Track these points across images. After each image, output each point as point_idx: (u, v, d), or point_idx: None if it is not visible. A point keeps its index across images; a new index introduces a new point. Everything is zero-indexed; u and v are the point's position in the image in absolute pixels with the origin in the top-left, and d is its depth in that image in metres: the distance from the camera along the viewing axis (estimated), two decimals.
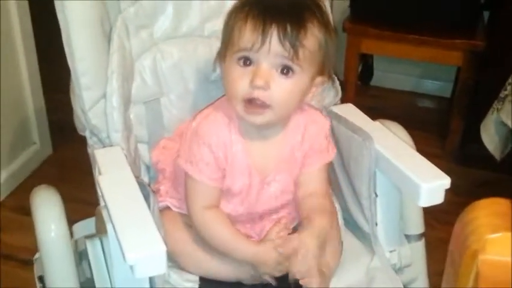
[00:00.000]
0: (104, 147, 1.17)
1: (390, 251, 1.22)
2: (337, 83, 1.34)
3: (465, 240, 0.57)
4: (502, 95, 1.84)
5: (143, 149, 1.27)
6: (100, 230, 1.12)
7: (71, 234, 1.24)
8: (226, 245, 1.11)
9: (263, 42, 1.02)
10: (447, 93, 2.85)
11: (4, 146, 2.13)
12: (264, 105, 1.05)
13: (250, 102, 1.05)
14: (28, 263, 1.78)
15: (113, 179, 1.07)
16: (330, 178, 1.25)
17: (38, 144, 2.34)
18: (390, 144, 1.17)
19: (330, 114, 1.28)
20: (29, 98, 2.25)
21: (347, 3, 2.40)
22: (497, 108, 1.85)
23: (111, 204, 1.00)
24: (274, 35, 1.02)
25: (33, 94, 2.25)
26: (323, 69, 1.11)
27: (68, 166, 2.31)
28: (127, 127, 1.19)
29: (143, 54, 1.24)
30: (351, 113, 1.27)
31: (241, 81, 1.05)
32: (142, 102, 1.25)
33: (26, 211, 1.99)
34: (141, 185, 1.06)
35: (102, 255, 1.13)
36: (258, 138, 1.13)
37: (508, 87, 1.81)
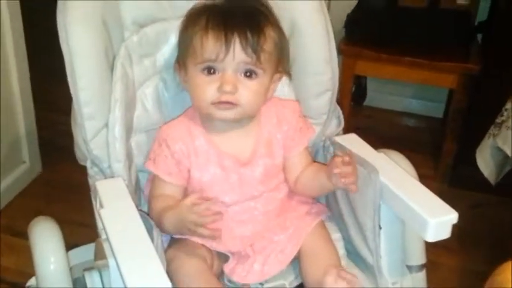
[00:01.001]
0: (105, 177, 1.15)
1: (393, 283, 1.20)
2: (340, 112, 1.33)
3: None
4: (498, 120, 1.83)
5: (143, 177, 1.25)
6: (100, 262, 1.10)
7: None
8: (160, 224, 1.11)
9: (227, 51, 1.08)
10: (439, 114, 2.86)
11: None
12: (233, 104, 1.10)
13: (219, 103, 1.10)
14: (17, 286, 1.76)
15: (116, 212, 1.04)
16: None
17: (27, 163, 2.30)
18: (396, 176, 1.15)
19: (334, 145, 1.28)
20: (20, 117, 2.21)
21: (342, 24, 2.39)
22: (494, 134, 1.84)
23: (113, 239, 0.98)
24: (237, 43, 1.08)
25: (25, 113, 2.22)
26: (279, 66, 1.18)
27: (57, 185, 2.30)
28: (129, 157, 1.18)
29: (146, 83, 1.23)
30: (355, 143, 1.26)
31: (208, 87, 1.10)
32: (144, 131, 1.24)
33: (15, 232, 1.99)
34: (144, 218, 1.04)
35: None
36: (227, 129, 1.17)
37: (505, 113, 1.81)
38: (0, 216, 2.11)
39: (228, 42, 1.08)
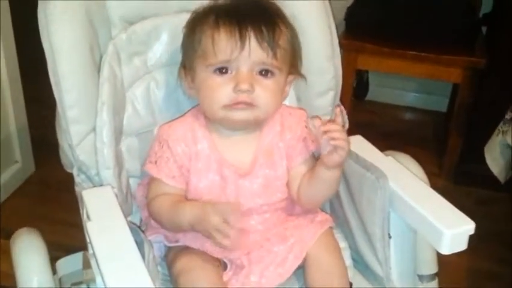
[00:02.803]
0: (93, 185, 1.09)
1: None
2: (344, 112, 1.26)
3: None
4: (508, 116, 1.77)
5: (135, 183, 1.19)
6: (87, 276, 1.05)
7: (54, 270, 1.17)
8: (171, 217, 1.06)
9: (242, 47, 1.02)
10: (443, 108, 2.80)
11: None
12: (250, 105, 1.04)
13: (236, 104, 1.04)
14: None
15: (103, 226, 0.98)
16: None
17: (20, 163, 2.25)
18: (406, 182, 1.09)
19: None
20: (11, 115, 2.16)
21: (342, 16, 2.31)
22: (503, 131, 1.78)
23: (101, 256, 0.91)
24: (252, 37, 1.02)
25: (16, 111, 2.17)
26: (292, 67, 1.12)
27: (50, 185, 2.23)
28: (119, 163, 1.11)
29: (136, 83, 1.16)
30: (361, 146, 1.20)
31: (222, 89, 1.04)
32: (135, 134, 1.17)
33: (7, 234, 1.91)
34: (134, 231, 0.98)
35: None
36: (231, 134, 1.11)
37: None
38: None
39: (242, 37, 1.01)
